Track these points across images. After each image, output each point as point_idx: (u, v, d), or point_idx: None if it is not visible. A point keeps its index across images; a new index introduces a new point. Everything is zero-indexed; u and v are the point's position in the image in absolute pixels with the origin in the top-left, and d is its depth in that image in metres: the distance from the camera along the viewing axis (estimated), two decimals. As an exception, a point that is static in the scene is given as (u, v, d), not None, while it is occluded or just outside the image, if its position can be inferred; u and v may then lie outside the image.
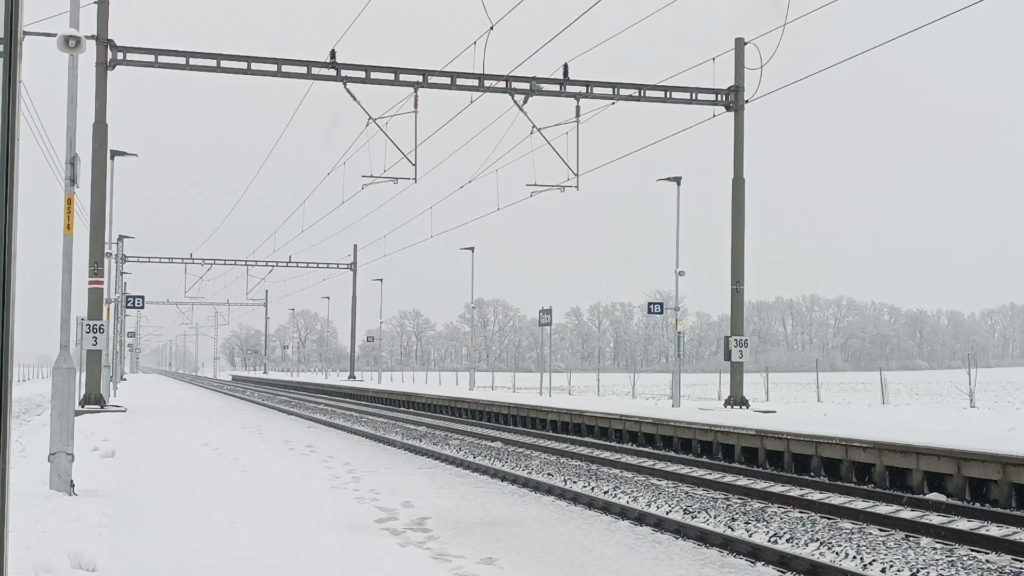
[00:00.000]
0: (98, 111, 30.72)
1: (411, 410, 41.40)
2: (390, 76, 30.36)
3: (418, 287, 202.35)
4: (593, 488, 15.63)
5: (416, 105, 30.07)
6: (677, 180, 32.35)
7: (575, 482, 16.41)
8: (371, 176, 32.84)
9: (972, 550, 10.69)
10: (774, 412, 28.19)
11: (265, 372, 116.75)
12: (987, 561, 10.18)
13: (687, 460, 19.92)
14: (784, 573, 9.92)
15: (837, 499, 14.32)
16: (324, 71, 29.88)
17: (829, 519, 12.80)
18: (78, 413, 20.61)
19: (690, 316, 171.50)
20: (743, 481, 16.53)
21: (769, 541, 11.18)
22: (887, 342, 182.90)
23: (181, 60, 29.69)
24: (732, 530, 11.86)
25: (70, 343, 14.03)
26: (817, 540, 11.17)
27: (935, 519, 12.53)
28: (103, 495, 13.13)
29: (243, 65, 29.86)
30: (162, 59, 29.78)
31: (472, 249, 52.49)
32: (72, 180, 13.71)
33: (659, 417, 23.70)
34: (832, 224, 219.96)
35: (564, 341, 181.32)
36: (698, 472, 17.82)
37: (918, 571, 9.60)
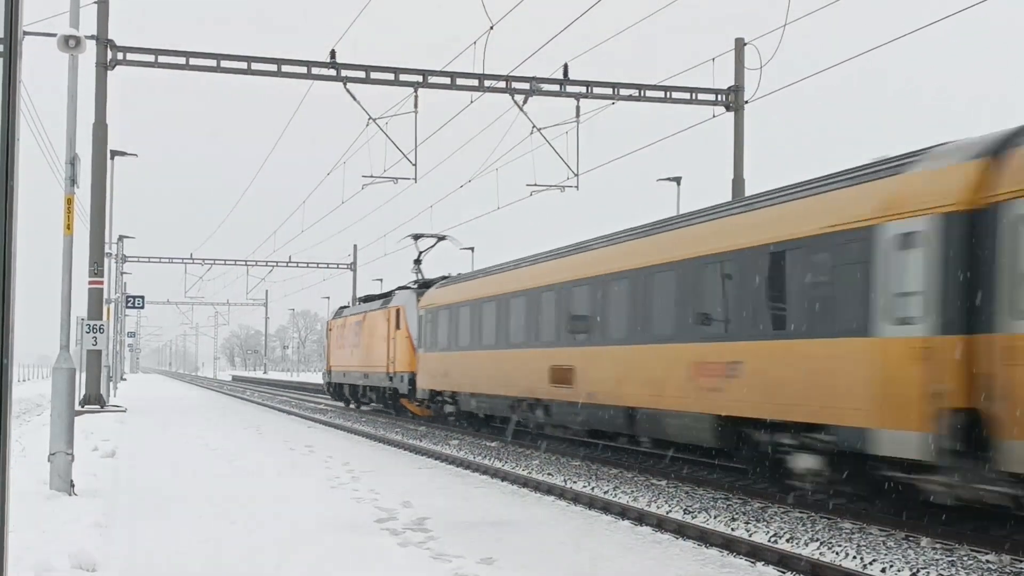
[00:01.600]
0: (98, 111, 30.71)
1: (411, 410, 41.31)
2: (390, 76, 30.36)
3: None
4: (593, 488, 15.62)
5: (416, 105, 30.06)
6: (677, 180, 32.38)
7: (575, 482, 16.41)
8: (371, 176, 32.84)
9: (972, 550, 10.69)
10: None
11: (265, 372, 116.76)
12: (987, 561, 10.18)
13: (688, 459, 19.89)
14: (784, 573, 9.92)
15: (837, 499, 14.31)
16: (324, 71, 29.88)
17: (829, 519, 12.80)
18: (78, 413, 20.60)
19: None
20: (743, 481, 16.52)
21: (769, 541, 11.18)
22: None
23: (181, 60, 29.69)
24: (732, 530, 11.87)
25: (70, 343, 14.03)
26: (817, 540, 11.17)
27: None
28: (103, 495, 13.13)
29: (243, 65, 29.86)
30: (162, 59, 29.77)
31: (472, 249, 52.53)
32: (72, 180, 13.72)
33: (659, 417, 23.63)
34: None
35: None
36: (699, 472, 17.80)
37: (918, 571, 9.60)
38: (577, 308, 19.60)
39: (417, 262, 35.83)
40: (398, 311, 32.27)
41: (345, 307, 44.38)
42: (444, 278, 31.21)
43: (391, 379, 32.44)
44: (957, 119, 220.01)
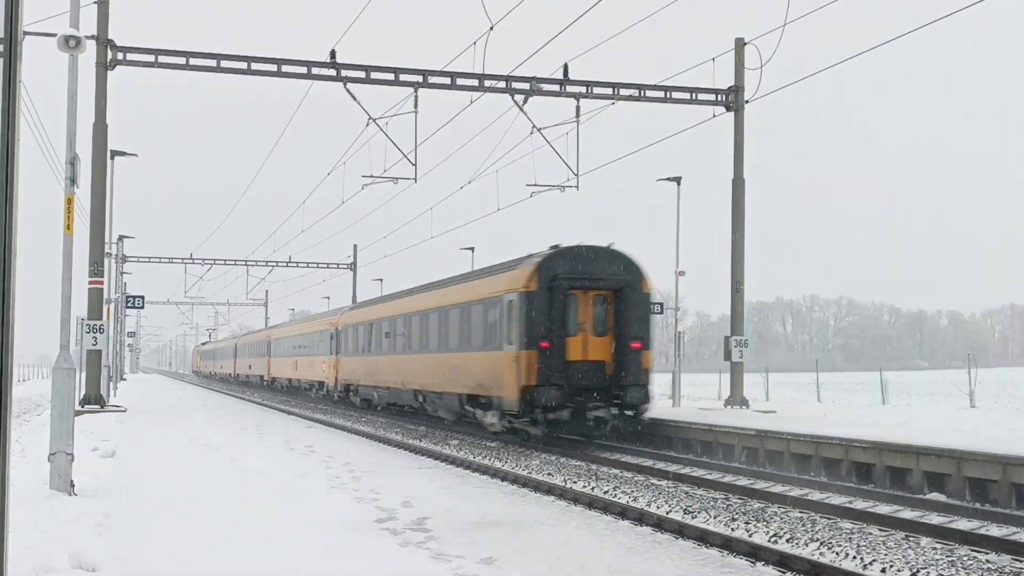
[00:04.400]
0: (98, 111, 30.69)
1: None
2: (390, 76, 30.35)
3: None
4: (593, 488, 15.63)
5: (416, 105, 30.04)
6: (677, 180, 32.34)
7: (575, 482, 16.41)
8: (371, 176, 32.83)
9: (972, 550, 10.69)
10: (774, 412, 28.18)
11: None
12: (987, 561, 10.18)
13: (687, 460, 19.92)
14: (784, 573, 9.92)
15: (837, 499, 14.33)
16: (324, 71, 29.87)
17: (829, 519, 12.80)
18: (78, 413, 20.57)
19: (690, 316, 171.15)
20: (743, 481, 16.53)
21: (769, 541, 11.18)
22: (887, 342, 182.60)
23: (181, 60, 29.67)
24: (732, 530, 11.87)
25: (70, 343, 14.02)
26: (817, 540, 11.17)
27: (935, 519, 12.53)
28: (103, 495, 13.12)
29: (243, 65, 29.85)
30: (162, 59, 29.75)
31: (472, 249, 52.46)
32: (72, 180, 13.70)
33: (659, 417, 23.69)
34: (832, 223, 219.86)
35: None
36: (698, 472, 17.82)
37: (918, 571, 9.60)
38: (278, 348, 56.09)
39: (210, 333, 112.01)
40: (197, 350, 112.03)
41: (195, 345, 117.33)
42: (207, 341, 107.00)
43: (198, 369, 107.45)
44: (961, 116, 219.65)
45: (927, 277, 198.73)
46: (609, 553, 10.49)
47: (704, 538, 11.40)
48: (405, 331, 31.69)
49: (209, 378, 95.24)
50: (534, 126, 30.52)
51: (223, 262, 73.57)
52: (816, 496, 14.58)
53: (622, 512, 13.28)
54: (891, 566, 9.80)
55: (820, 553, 10.52)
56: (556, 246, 23.13)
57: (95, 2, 30.02)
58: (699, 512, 13.20)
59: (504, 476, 17.35)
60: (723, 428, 20.95)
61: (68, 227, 13.56)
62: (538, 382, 21.84)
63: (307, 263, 72.79)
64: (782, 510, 13.55)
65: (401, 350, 32.13)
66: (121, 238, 57.36)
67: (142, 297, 47.04)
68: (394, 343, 32.98)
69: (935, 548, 10.84)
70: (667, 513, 13.08)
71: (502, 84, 30.43)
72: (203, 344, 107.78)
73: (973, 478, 14.78)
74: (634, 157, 31.12)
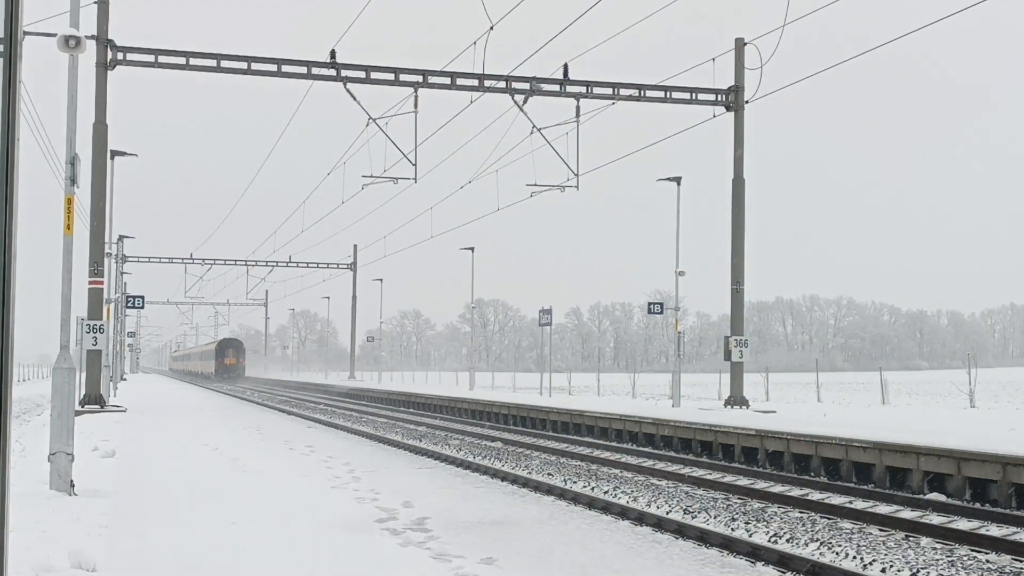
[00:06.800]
0: (98, 111, 30.70)
1: (411, 410, 41.40)
2: (390, 76, 30.37)
3: (418, 287, 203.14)
4: (593, 488, 15.63)
5: (416, 105, 30.07)
6: (677, 180, 32.35)
7: (575, 482, 16.41)
8: (371, 176, 32.86)
9: (972, 550, 10.69)
10: (774, 412, 28.20)
11: (265, 371, 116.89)
12: (987, 561, 10.19)
13: (687, 460, 19.93)
14: (784, 573, 9.92)
15: (837, 499, 14.33)
16: (324, 71, 29.89)
17: (829, 519, 12.81)
18: (78, 413, 20.58)
19: (690, 316, 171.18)
20: (743, 481, 16.54)
21: (769, 541, 11.18)
22: (887, 342, 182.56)
23: (181, 60, 29.69)
24: (732, 530, 11.87)
25: (70, 343, 14.02)
26: (817, 540, 11.17)
27: (935, 519, 12.54)
28: (103, 495, 13.12)
29: (243, 65, 29.86)
30: (162, 59, 29.77)
31: (472, 249, 52.48)
32: (72, 180, 13.70)
33: (659, 417, 23.71)
34: (832, 224, 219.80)
35: (564, 341, 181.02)
36: (698, 472, 17.83)
37: (918, 571, 9.60)
38: (196, 357, 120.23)
39: (179, 344, 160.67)
40: (171, 356, 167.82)
41: (170, 352, 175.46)
42: (177, 350, 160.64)
43: (173, 368, 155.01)
44: (962, 115, 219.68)
45: (927, 277, 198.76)
46: (609, 553, 10.50)
47: (704, 538, 11.40)
48: (198, 355, 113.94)
49: (176, 372, 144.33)
50: (534, 126, 30.56)
51: (223, 262, 73.71)
52: (816, 496, 14.58)
53: (622, 512, 13.28)
54: (891, 566, 9.81)
55: (820, 553, 10.52)
56: (224, 338, 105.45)
57: (95, 2, 30.04)
58: (699, 512, 13.20)
59: (504, 476, 17.35)
60: (723, 428, 20.96)
61: (68, 227, 13.56)
62: (218, 369, 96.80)
63: (307, 263, 72.90)
64: (782, 510, 13.56)
65: (197, 360, 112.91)
66: (121, 238, 57.36)
67: (142, 297, 47.06)
68: (197, 359, 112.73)
69: (935, 548, 10.84)
70: (667, 513, 13.08)
71: (502, 84, 30.45)
72: (175, 351, 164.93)
73: (973, 478, 14.78)
74: (634, 157, 31.18)
